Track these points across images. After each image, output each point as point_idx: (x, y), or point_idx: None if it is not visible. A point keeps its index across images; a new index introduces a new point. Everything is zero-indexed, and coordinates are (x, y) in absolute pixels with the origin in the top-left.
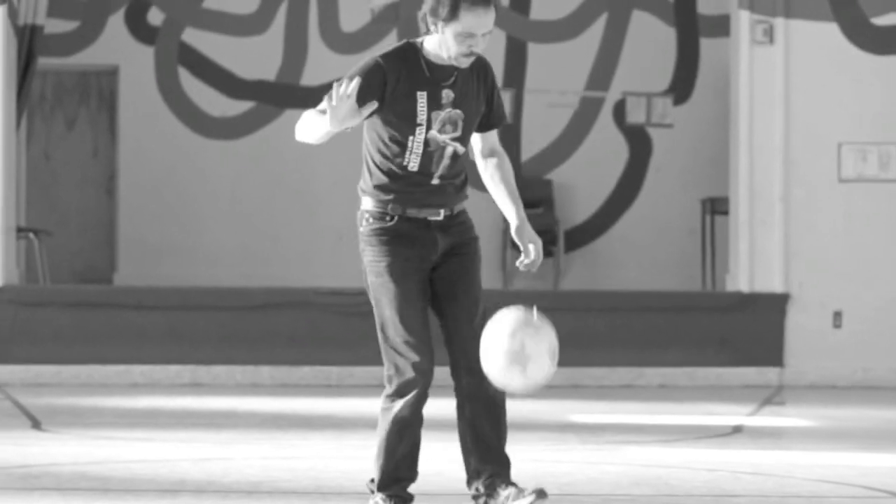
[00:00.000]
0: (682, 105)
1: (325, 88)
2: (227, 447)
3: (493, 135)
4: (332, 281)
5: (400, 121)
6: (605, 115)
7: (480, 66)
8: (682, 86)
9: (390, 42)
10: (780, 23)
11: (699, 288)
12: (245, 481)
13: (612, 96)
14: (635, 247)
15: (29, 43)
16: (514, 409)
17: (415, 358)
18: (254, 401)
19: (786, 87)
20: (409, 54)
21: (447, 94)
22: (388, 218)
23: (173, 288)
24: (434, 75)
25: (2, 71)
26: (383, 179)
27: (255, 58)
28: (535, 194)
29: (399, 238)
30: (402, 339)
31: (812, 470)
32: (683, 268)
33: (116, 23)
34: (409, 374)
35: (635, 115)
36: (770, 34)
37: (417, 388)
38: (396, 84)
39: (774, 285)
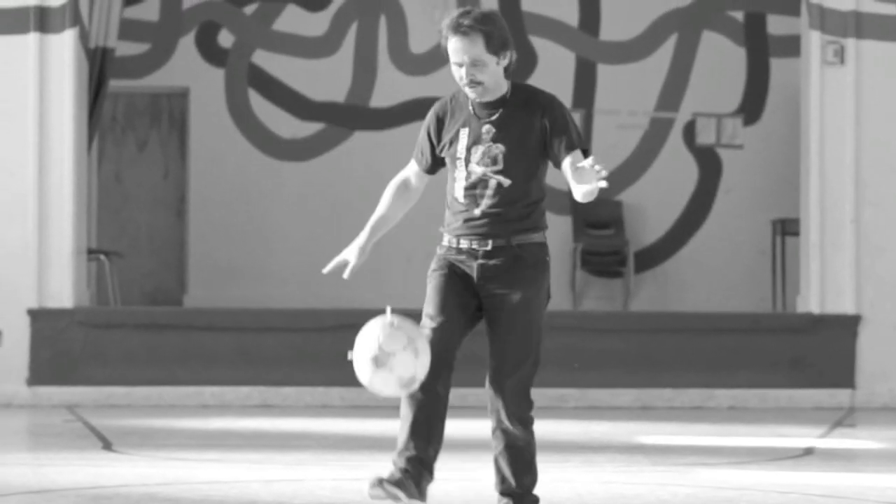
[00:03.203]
0: (752, 126)
1: (395, 110)
2: (297, 469)
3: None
4: (402, 302)
5: (450, 156)
6: (675, 136)
7: (536, 103)
8: (752, 106)
9: None
10: (850, 43)
11: (770, 309)
12: (316, 503)
13: (681, 117)
14: (705, 268)
15: (100, 65)
16: (582, 430)
17: (427, 332)
18: (324, 422)
19: (857, 108)
20: (460, 95)
21: (488, 129)
22: (444, 245)
23: (243, 309)
24: (478, 112)
25: (73, 93)
26: (447, 210)
27: (325, 79)
28: (604, 215)
29: (446, 262)
30: (423, 319)
31: (885, 493)
32: (754, 289)
33: (187, 45)
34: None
35: (705, 136)
36: (841, 55)
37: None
38: (445, 124)
39: (846, 307)
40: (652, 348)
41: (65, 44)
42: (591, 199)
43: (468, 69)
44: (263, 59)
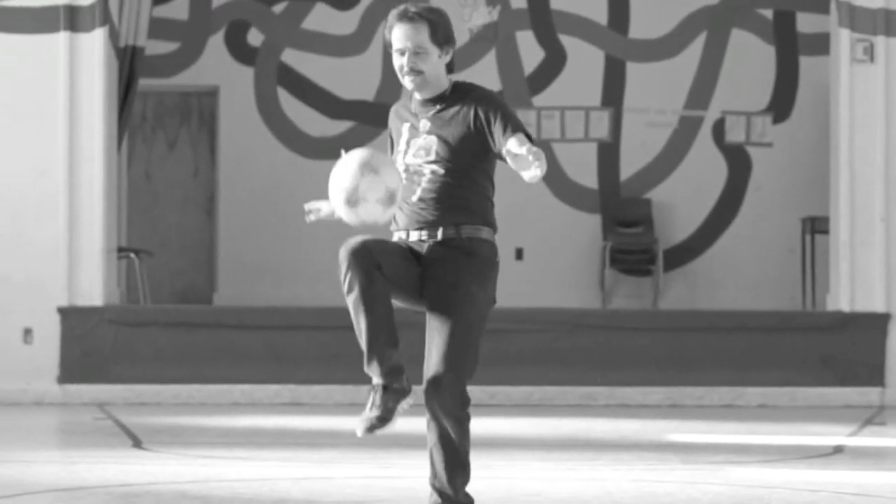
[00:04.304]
0: (781, 124)
1: None
2: (327, 466)
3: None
4: None
5: (394, 152)
6: (705, 134)
7: (472, 97)
8: (781, 104)
9: (489, 61)
10: (880, 41)
11: (799, 308)
12: (346, 500)
13: (711, 115)
14: (735, 266)
15: (130, 64)
16: (612, 428)
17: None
18: (354, 420)
19: (886, 106)
20: (405, 97)
21: (424, 124)
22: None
23: (272, 308)
24: (419, 109)
25: (103, 92)
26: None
27: (354, 78)
28: (634, 213)
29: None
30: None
31: None
32: (783, 287)
33: (216, 44)
34: (343, 260)
35: (734, 134)
36: (870, 52)
37: (349, 267)
38: (396, 120)
39: (875, 305)
40: (681, 346)
41: (94, 43)
42: (535, 181)
43: (410, 57)
44: (293, 57)
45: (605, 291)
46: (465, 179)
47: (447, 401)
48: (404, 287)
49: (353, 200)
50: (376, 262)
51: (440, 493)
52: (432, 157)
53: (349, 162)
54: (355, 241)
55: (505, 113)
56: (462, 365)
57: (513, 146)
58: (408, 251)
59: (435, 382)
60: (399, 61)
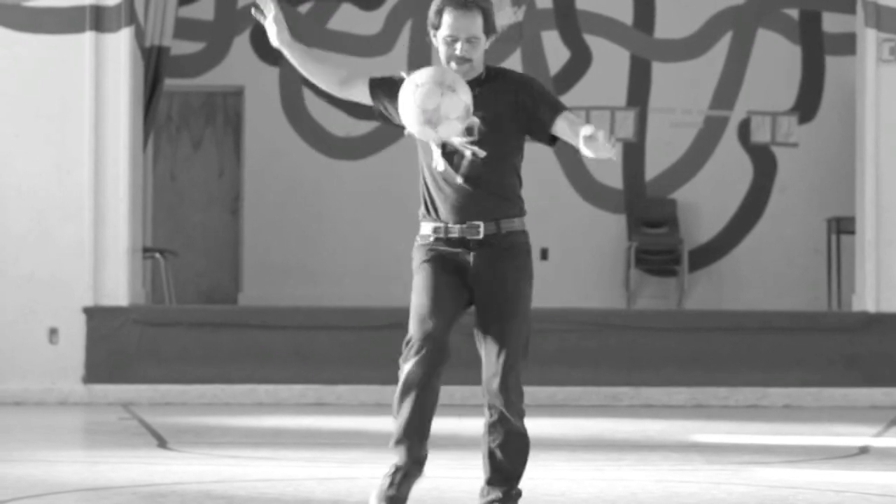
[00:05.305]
0: (807, 124)
1: None
2: (351, 467)
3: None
4: None
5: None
6: (730, 135)
7: (511, 81)
8: (807, 104)
9: (514, 61)
10: None
11: (825, 308)
12: (370, 501)
13: (736, 115)
14: (760, 267)
15: (155, 64)
16: (636, 429)
17: (423, 325)
18: (378, 420)
19: None
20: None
21: None
22: (427, 235)
23: (297, 308)
24: None
25: (129, 92)
26: (424, 188)
27: None
28: (659, 214)
29: (436, 252)
30: (417, 309)
31: None
32: (809, 288)
33: (242, 44)
34: (417, 339)
35: (760, 134)
36: None
37: (422, 351)
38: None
39: None
40: (706, 347)
41: (120, 43)
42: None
43: (463, 45)
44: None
45: (630, 292)
46: (504, 161)
47: (514, 400)
48: (460, 313)
49: (434, 120)
50: (447, 348)
51: (506, 485)
52: (475, 137)
53: (423, 83)
54: (430, 320)
55: (546, 94)
56: (520, 362)
57: (587, 130)
58: (453, 273)
59: (503, 385)
60: (450, 49)
